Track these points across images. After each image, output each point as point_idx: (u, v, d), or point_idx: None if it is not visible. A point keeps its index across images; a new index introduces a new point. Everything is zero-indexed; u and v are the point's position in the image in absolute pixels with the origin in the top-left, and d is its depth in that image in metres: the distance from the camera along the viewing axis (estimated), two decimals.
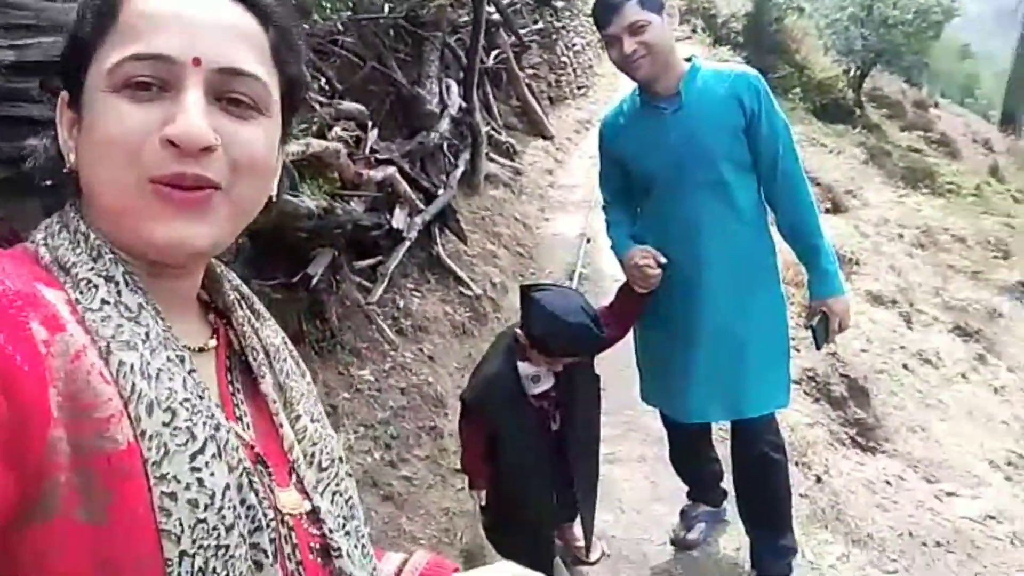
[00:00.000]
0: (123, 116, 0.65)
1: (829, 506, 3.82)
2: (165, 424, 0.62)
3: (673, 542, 3.01)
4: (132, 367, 0.62)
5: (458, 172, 5.65)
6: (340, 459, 0.83)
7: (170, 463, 0.61)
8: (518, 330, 2.39)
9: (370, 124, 4.41)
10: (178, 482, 0.61)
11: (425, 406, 3.66)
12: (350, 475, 0.84)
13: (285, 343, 0.86)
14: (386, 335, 3.85)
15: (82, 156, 0.69)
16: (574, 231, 6.59)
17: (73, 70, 0.70)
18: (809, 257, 2.52)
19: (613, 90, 11.47)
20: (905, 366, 7.07)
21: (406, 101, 5.27)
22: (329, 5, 4.37)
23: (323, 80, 4.39)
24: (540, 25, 10.21)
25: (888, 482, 4.76)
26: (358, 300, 3.83)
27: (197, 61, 0.66)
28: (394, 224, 4.28)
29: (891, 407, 5.93)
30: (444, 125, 5.44)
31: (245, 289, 0.86)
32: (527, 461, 2.39)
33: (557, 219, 6.90)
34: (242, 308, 0.83)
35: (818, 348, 2.64)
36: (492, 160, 6.81)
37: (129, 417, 0.60)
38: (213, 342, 0.79)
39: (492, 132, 7.23)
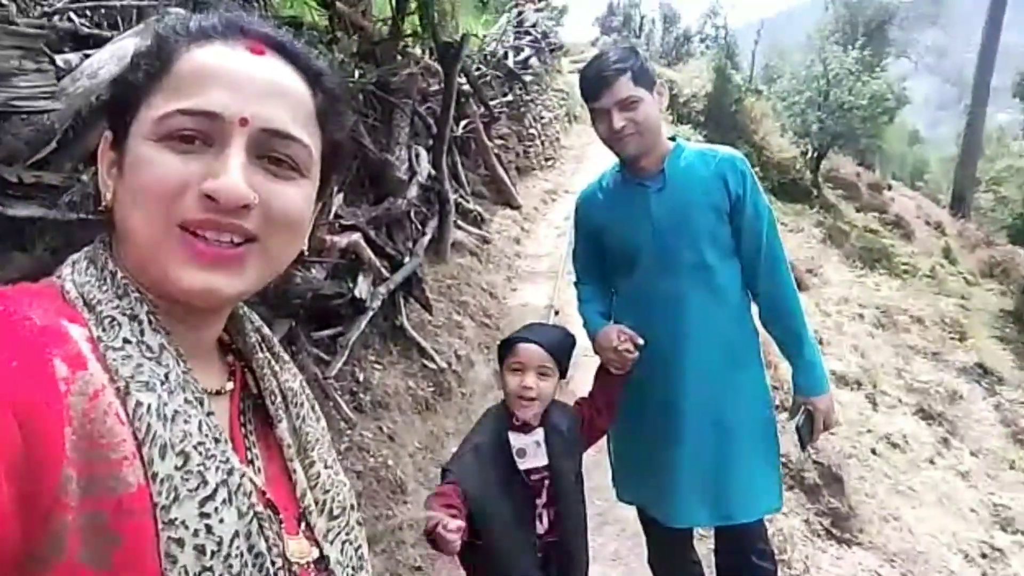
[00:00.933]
0: (165, 165, 0.66)
1: None
2: (177, 468, 0.62)
3: None
4: (149, 408, 0.62)
5: (425, 240, 5.48)
6: (352, 507, 0.83)
7: (179, 508, 0.61)
8: (498, 380, 2.19)
9: (335, 189, 4.22)
10: (186, 528, 0.61)
11: (382, 492, 3.38)
12: (360, 524, 0.84)
13: (303, 387, 0.86)
14: (343, 412, 3.59)
15: (119, 197, 0.70)
16: (541, 302, 6.43)
17: (120, 113, 0.71)
18: (792, 347, 2.35)
19: (579, 162, 11.59)
20: (873, 451, 7.00)
21: (374, 167, 5.10)
22: None
23: None
24: (509, 97, 10.29)
25: None
26: (315, 373, 3.56)
27: (244, 121, 0.68)
28: (357, 293, 4.04)
29: (863, 495, 5.80)
30: (412, 192, 5.28)
31: (266, 331, 0.86)
32: (503, 543, 1.98)
33: (524, 289, 6.74)
34: (263, 351, 0.83)
35: (803, 449, 2.46)
36: (459, 228, 6.66)
37: (142, 459, 0.60)
38: (230, 385, 0.79)
39: (460, 200, 7.10)
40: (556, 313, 6.02)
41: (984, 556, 5.98)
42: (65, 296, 0.67)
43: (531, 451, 2.04)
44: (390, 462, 3.56)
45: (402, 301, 4.70)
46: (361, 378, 3.96)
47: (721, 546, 2.52)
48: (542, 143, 11.35)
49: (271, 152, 0.70)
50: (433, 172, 5.96)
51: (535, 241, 8.23)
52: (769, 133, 18.95)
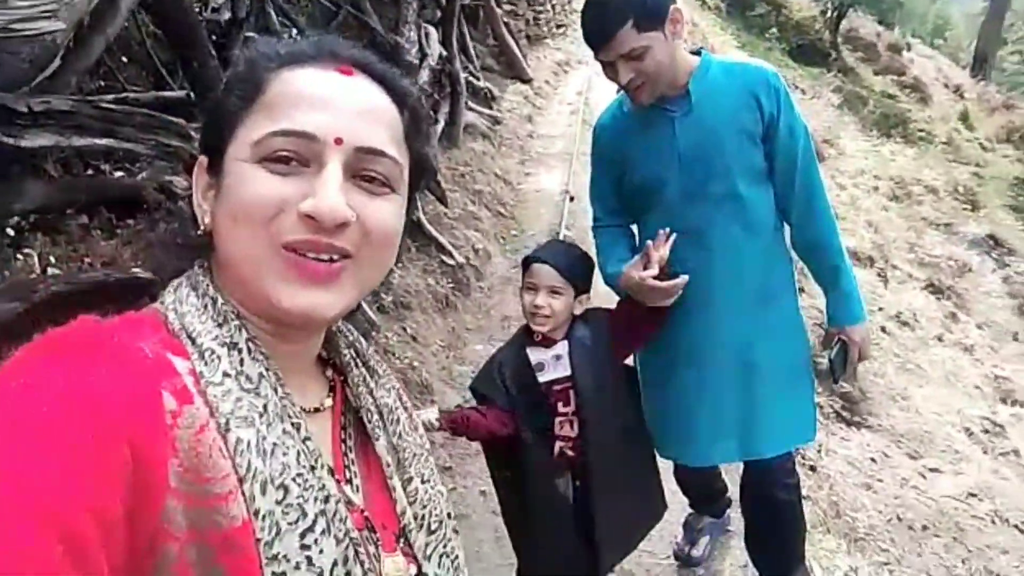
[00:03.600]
0: (264, 185, 0.68)
1: (828, 503, 3.74)
2: (278, 502, 0.64)
3: (677, 556, 2.86)
4: (249, 444, 0.64)
5: (438, 128, 5.32)
6: (448, 516, 0.85)
7: (281, 542, 0.63)
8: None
9: None
10: (288, 561, 0.63)
11: (409, 394, 3.43)
12: (457, 532, 0.86)
13: (400, 398, 0.87)
14: (367, 315, 3.59)
15: (218, 220, 0.72)
16: (556, 188, 6.33)
17: (215, 138, 0.73)
18: (828, 278, 2.26)
19: None
20: (883, 329, 7.07)
21: (384, 51, 4.89)
22: None
23: (294, 29, 4.01)
24: None
25: (874, 459, 4.73)
26: None
27: (339, 140, 0.70)
28: None
29: (872, 375, 5.89)
30: (424, 76, 5.09)
31: (361, 345, 0.88)
32: (529, 449, 2.10)
33: (539, 174, 6.61)
34: (357, 367, 0.85)
35: (835, 382, 2.43)
36: (471, 108, 6.46)
37: (243, 494, 0.62)
38: (329, 401, 0.81)
39: (470, 77, 6.85)
40: (571, 199, 5.93)
41: (986, 432, 6.15)
42: (168, 327, 0.69)
43: (550, 364, 2.12)
44: (415, 363, 3.60)
45: (417, 195, 4.62)
46: None
47: (746, 481, 2.50)
48: (553, 8, 10.83)
49: (364, 170, 0.72)
50: (444, 52, 5.71)
51: (548, 120, 8.00)
52: None
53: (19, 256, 2.03)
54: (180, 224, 0.79)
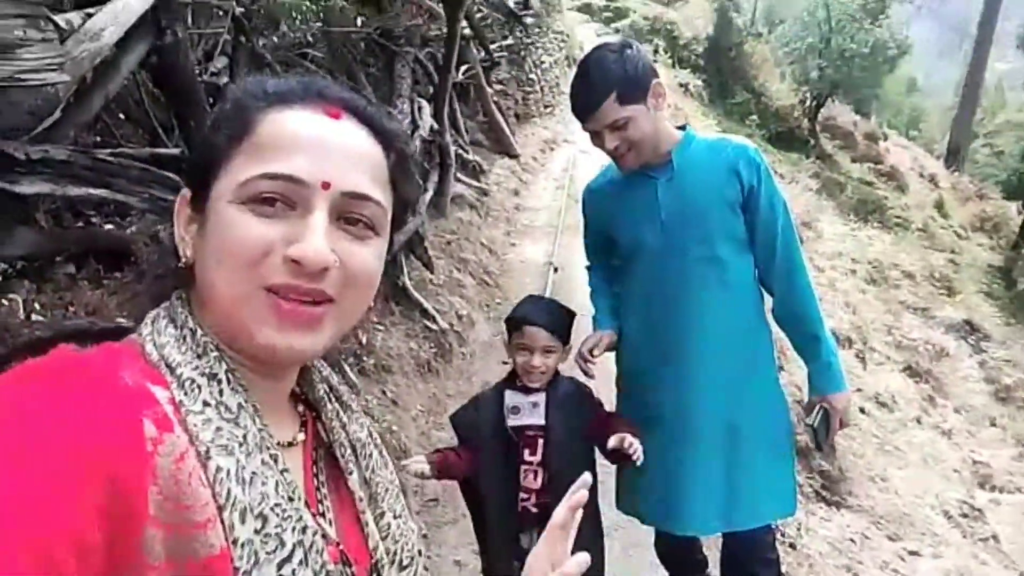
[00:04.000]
0: (250, 229, 0.68)
1: None
2: (257, 531, 0.63)
3: None
4: (228, 473, 0.64)
5: (427, 196, 5.41)
6: (420, 553, 0.86)
7: (259, 571, 0.63)
8: (506, 347, 2.28)
9: None
10: None
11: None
12: (427, 569, 0.87)
13: (371, 435, 0.87)
14: (348, 377, 3.59)
15: (202, 257, 0.72)
16: (541, 258, 6.41)
17: (200, 173, 0.74)
18: (809, 348, 2.27)
19: None
20: (862, 410, 7.09)
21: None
22: (299, 16, 4.10)
23: None
24: (510, 40, 10.05)
25: (853, 540, 4.69)
26: None
27: (326, 185, 0.70)
28: None
29: (851, 455, 5.89)
30: (415, 147, 5.18)
31: (334, 380, 0.88)
32: (491, 494, 2.18)
33: (524, 244, 6.71)
34: (331, 402, 0.84)
35: (819, 449, 2.44)
36: (459, 180, 6.58)
37: (223, 523, 0.62)
38: (301, 436, 0.81)
39: (459, 150, 7.00)
40: (556, 270, 6.00)
41: (964, 516, 6.13)
42: (147, 358, 0.69)
43: (526, 409, 2.17)
44: (394, 427, 3.57)
45: (404, 260, 4.66)
46: (364, 340, 3.95)
47: (728, 552, 2.45)
48: (541, 89, 11.16)
49: (349, 213, 0.72)
50: (435, 125, 5.84)
51: (533, 193, 8.16)
52: (768, 79, 18.71)
53: (4, 301, 2.04)
54: (160, 255, 0.80)
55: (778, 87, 18.52)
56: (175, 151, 2.96)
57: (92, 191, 2.15)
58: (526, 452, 2.15)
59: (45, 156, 2.01)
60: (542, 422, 2.15)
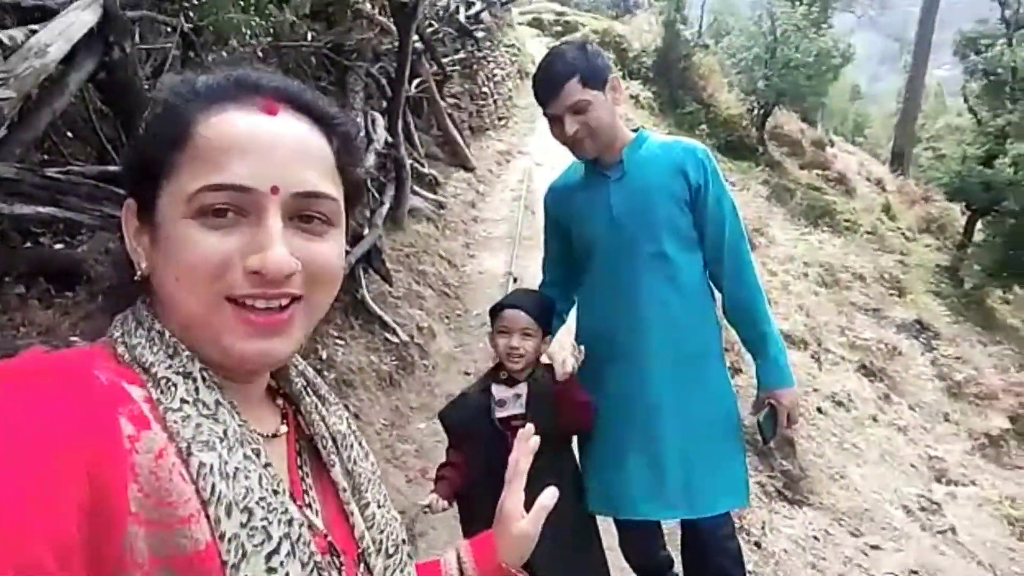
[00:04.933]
0: (205, 245, 0.67)
1: None
2: (243, 525, 0.63)
3: None
4: (212, 468, 0.63)
5: (384, 209, 5.39)
6: (404, 541, 0.86)
7: (247, 565, 0.62)
8: (489, 339, 2.37)
9: None
10: None
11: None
12: (411, 556, 0.87)
13: (351, 427, 0.87)
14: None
15: (158, 270, 0.71)
16: (500, 269, 6.41)
17: (140, 183, 0.72)
18: (756, 344, 2.35)
19: (532, 122, 11.47)
20: (820, 409, 7.22)
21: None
22: (248, 31, 4.06)
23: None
24: (462, 54, 10.07)
25: (817, 537, 4.77)
26: None
27: (275, 190, 0.69)
28: None
29: (812, 454, 5.99)
30: (370, 160, 5.17)
31: (310, 374, 0.88)
32: (482, 484, 2.11)
33: (482, 256, 6.71)
34: (308, 395, 0.84)
35: (765, 443, 2.48)
36: (416, 193, 6.56)
37: (208, 517, 0.62)
38: (284, 428, 0.80)
39: (415, 164, 6.98)
40: (515, 280, 6.01)
41: (923, 509, 6.27)
42: (119, 359, 0.68)
43: (510, 402, 2.26)
44: None
45: (362, 273, 4.63)
46: (324, 355, 3.91)
47: (687, 549, 2.49)
48: (495, 102, 11.19)
49: (304, 211, 0.71)
50: (390, 139, 5.83)
51: (490, 205, 8.17)
52: (717, 90, 18.99)
53: None
54: (115, 267, 0.77)
55: (726, 97, 18.78)
56: (129, 144, 2.90)
57: (41, 209, 2.11)
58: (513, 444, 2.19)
59: None
60: (524, 411, 2.23)
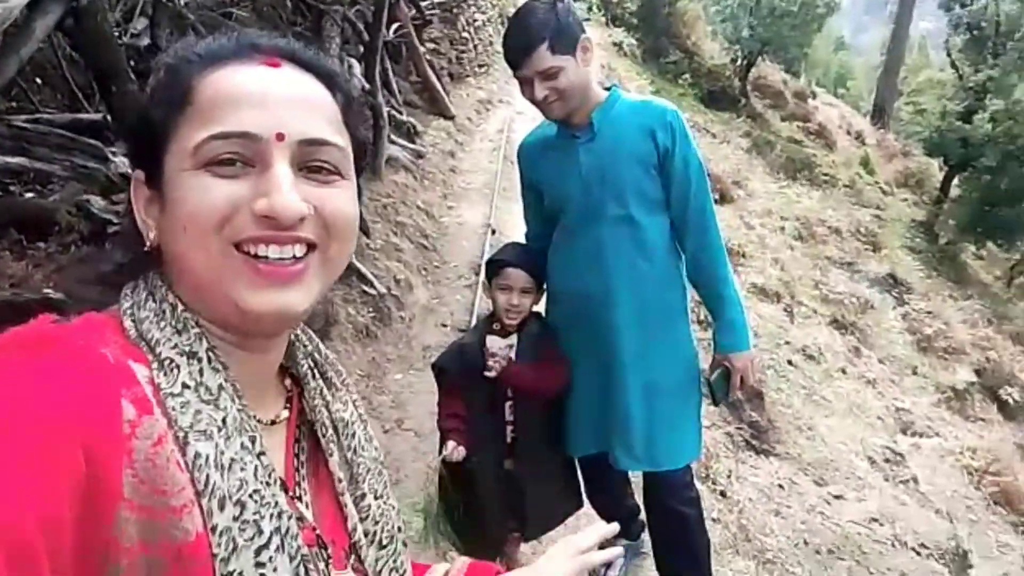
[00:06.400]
0: (211, 190, 0.66)
1: (738, 527, 3.86)
2: (235, 518, 0.63)
3: None
4: (207, 459, 0.63)
5: None
6: (399, 530, 0.85)
7: (237, 559, 0.62)
8: (486, 291, 2.52)
9: None
10: None
11: None
12: (406, 544, 0.86)
13: (356, 411, 0.86)
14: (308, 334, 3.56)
15: (167, 232, 0.69)
16: (478, 221, 6.41)
17: (147, 150, 0.71)
18: (715, 306, 2.42)
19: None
20: (790, 362, 7.34)
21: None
22: None
23: None
24: None
25: (782, 486, 4.90)
26: None
27: (280, 136, 0.68)
28: None
29: (780, 405, 6.12)
30: (357, 87, 5.10)
31: (319, 355, 0.86)
32: (481, 429, 2.39)
33: (461, 208, 6.69)
34: (314, 379, 0.83)
35: (715, 404, 2.56)
36: (393, 142, 6.50)
37: (201, 509, 0.61)
38: (285, 413, 0.79)
39: (393, 111, 6.90)
40: (493, 232, 6.01)
41: (887, 460, 6.44)
42: (126, 334, 0.67)
43: (502, 353, 2.36)
44: None
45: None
46: None
47: (649, 496, 2.59)
48: (475, 48, 11.03)
49: (311, 161, 0.70)
50: (366, 85, 5.75)
51: (470, 155, 8.11)
52: (701, 39, 18.83)
53: None
54: (124, 242, 0.76)
55: (710, 46, 18.66)
56: (96, 116, 2.87)
57: (10, 160, 2.08)
58: (508, 390, 2.39)
59: None
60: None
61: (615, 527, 1.02)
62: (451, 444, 2.28)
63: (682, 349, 2.44)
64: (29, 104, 2.86)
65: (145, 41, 3.29)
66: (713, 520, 3.63)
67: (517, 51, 2.18)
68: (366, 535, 0.80)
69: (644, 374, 2.35)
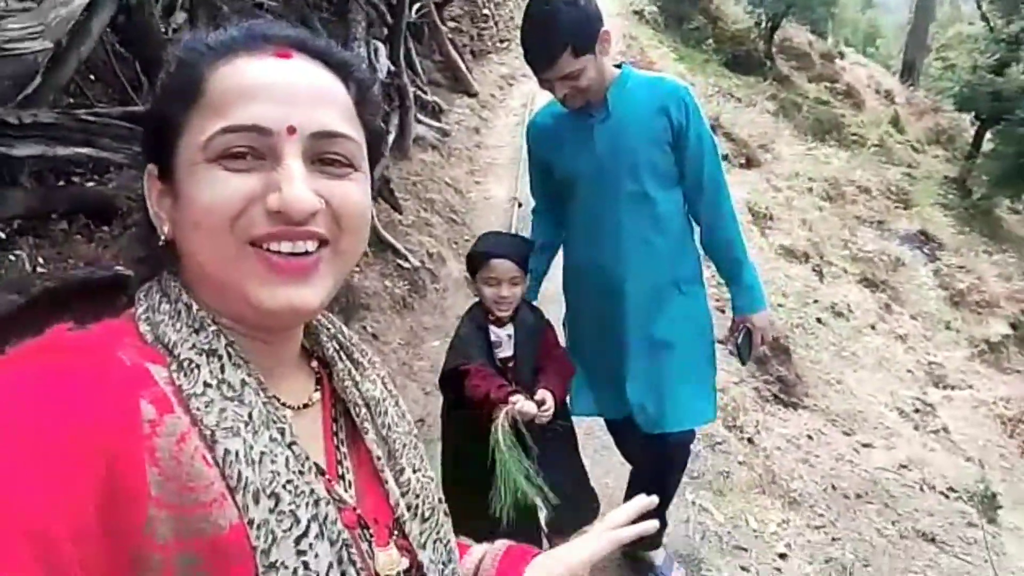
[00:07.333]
0: (224, 184, 0.66)
1: (764, 470, 4.02)
2: (271, 511, 0.63)
3: None
4: (237, 455, 0.63)
5: (389, 139, 5.54)
6: (440, 500, 0.86)
7: (278, 550, 0.63)
8: (469, 284, 2.40)
9: None
10: (286, 568, 0.63)
11: None
12: (447, 514, 0.86)
13: (386, 388, 0.87)
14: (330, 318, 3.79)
15: (181, 227, 0.69)
16: (505, 195, 6.60)
17: (160, 145, 0.70)
18: (731, 271, 2.52)
19: None
20: (819, 320, 7.42)
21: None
22: None
23: None
24: None
25: (810, 436, 5.03)
26: None
27: (292, 130, 0.67)
28: None
29: (808, 361, 6.22)
30: (372, 74, 5.29)
31: (344, 337, 0.86)
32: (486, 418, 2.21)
33: (488, 182, 6.88)
34: (341, 360, 0.83)
35: (743, 363, 2.71)
36: (419, 121, 6.68)
37: (235, 502, 0.62)
38: (317, 395, 0.80)
39: (418, 91, 7.08)
40: (520, 205, 6.19)
41: (917, 411, 6.53)
42: (143, 338, 0.67)
43: (504, 343, 2.35)
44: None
45: (372, 203, 4.82)
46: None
47: (649, 444, 2.60)
48: (496, 24, 11.12)
49: (324, 154, 0.70)
50: (392, 68, 5.94)
51: (494, 131, 8.27)
52: (724, 3, 18.65)
53: (11, 257, 2.21)
54: (139, 235, 0.75)
55: (733, 10, 18.42)
56: (146, 108, 3.09)
57: (79, 150, 2.31)
58: (514, 381, 2.28)
59: (35, 120, 2.16)
60: (512, 352, 2.36)
61: (654, 499, 1.01)
62: (517, 397, 2.14)
63: (694, 312, 2.53)
64: (84, 99, 3.09)
65: (186, 34, 3.49)
66: (739, 463, 3.81)
67: (540, 59, 2.20)
68: (408, 509, 0.80)
69: (660, 340, 2.44)
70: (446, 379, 2.37)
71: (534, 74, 2.29)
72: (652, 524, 1.00)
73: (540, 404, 2.17)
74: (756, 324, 2.53)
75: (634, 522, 0.99)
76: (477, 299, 2.42)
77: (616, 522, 0.98)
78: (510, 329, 2.37)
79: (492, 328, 2.36)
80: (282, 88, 0.68)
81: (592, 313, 2.53)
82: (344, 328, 0.88)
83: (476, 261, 2.35)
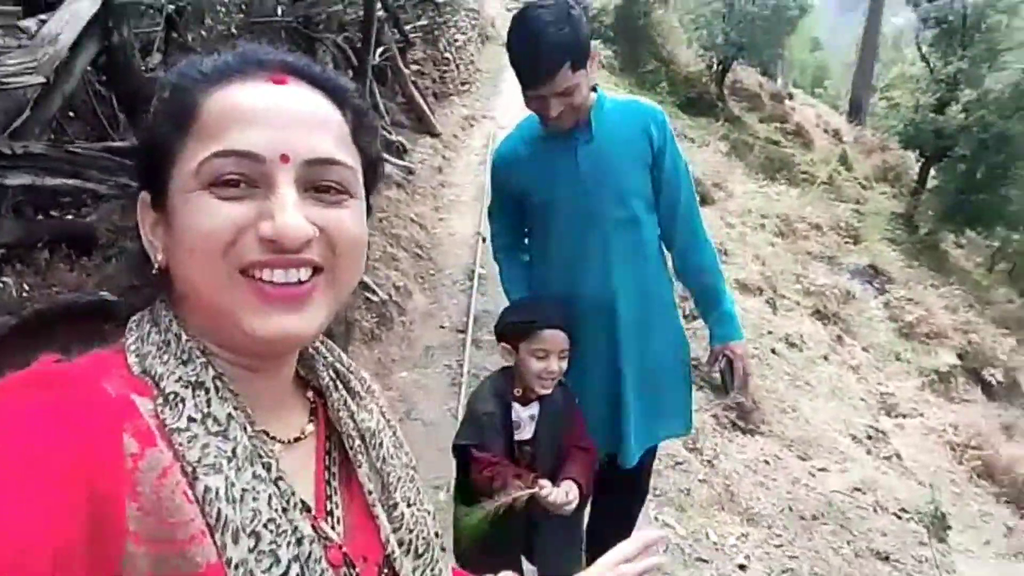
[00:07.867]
0: (216, 212, 0.64)
1: (723, 488, 4.16)
2: (250, 550, 0.62)
3: None
4: (217, 492, 0.62)
5: (386, 167, 5.66)
6: (436, 535, 0.84)
7: None
8: (505, 354, 2.17)
9: None
10: None
11: None
12: (444, 549, 0.85)
13: (384, 419, 0.85)
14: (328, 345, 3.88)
15: (174, 254, 0.68)
16: (469, 231, 6.75)
17: (153, 172, 0.70)
18: (709, 299, 2.44)
19: (495, 85, 11.70)
20: (774, 350, 7.61)
21: None
22: (223, 9, 4.33)
23: None
24: (423, 21, 10.25)
25: (767, 461, 5.20)
26: None
27: (285, 158, 0.66)
28: None
29: (764, 390, 6.40)
30: (368, 102, 5.43)
31: (342, 364, 0.84)
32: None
33: (451, 219, 7.04)
34: (337, 390, 0.81)
35: (727, 393, 2.70)
36: (385, 160, 6.82)
37: (213, 541, 0.61)
38: (311, 427, 0.78)
39: (383, 132, 7.24)
40: (484, 240, 6.35)
41: (869, 437, 6.72)
42: (130, 369, 0.66)
43: (525, 425, 2.16)
44: None
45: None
46: None
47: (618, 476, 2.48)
48: (457, 67, 11.39)
49: (319, 181, 0.68)
50: None
51: (457, 170, 8.46)
52: (676, 47, 19.21)
53: (0, 283, 2.29)
54: (133, 263, 0.74)
55: (686, 54, 18.98)
56: (125, 144, 3.19)
57: (68, 181, 2.40)
58: (522, 462, 2.14)
59: (26, 151, 2.25)
60: (531, 435, 2.16)
61: (661, 533, 0.98)
62: (548, 485, 1.97)
63: (674, 338, 2.45)
64: (64, 134, 3.19)
65: (161, 74, 3.60)
66: (700, 481, 3.95)
67: (538, 73, 2.07)
68: (400, 545, 0.78)
69: (642, 366, 2.34)
70: (456, 449, 2.19)
71: (527, 90, 2.12)
72: (662, 558, 1.00)
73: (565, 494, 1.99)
74: (737, 352, 2.42)
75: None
76: (505, 366, 2.21)
77: (625, 555, 0.96)
78: (534, 409, 2.17)
79: (515, 406, 2.16)
80: (276, 114, 0.67)
81: (584, 350, 2.29)
82: (343, 356, 0.86)
83: (521, 331, 2.12)
